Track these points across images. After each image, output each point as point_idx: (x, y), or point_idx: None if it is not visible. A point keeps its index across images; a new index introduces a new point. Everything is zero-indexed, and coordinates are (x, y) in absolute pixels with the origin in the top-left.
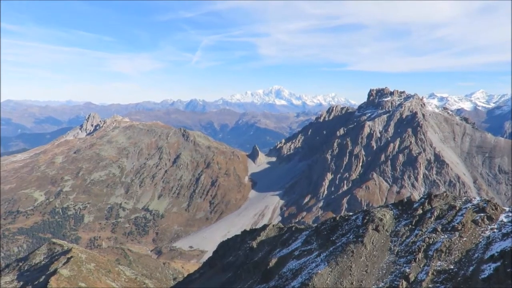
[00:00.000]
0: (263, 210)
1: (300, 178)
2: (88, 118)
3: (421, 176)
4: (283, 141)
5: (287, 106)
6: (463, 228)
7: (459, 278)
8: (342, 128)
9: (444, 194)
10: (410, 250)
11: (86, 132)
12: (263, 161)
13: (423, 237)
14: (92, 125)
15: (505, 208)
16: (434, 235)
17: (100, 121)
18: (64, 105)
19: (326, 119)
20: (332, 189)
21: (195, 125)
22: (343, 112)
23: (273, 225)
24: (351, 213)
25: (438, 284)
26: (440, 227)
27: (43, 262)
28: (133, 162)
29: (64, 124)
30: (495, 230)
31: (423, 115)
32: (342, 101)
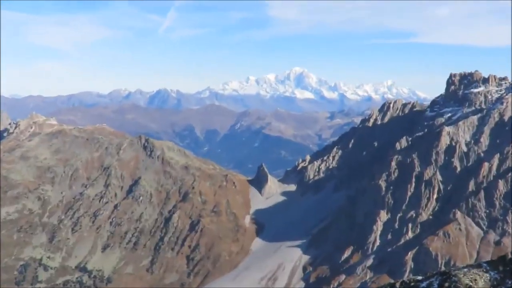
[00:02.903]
0: (275, 272)
1: (335, 218)
2: None
3: None
4: (309, 158)
5: (314, 101)
6: None
7: None
8: (404, 138)
9: None
10: None
11: None
12: (275, 190)
13: None
14: None
15: None
16: None
17: (10, 124)
18: None
19: (379, 122)
20: (389, 237)
21: (164, 131)
22: (406, 111)
23: None
24: (420, 277)
25: None
26: None
27: None
28: (62, 192)
29: None
30: None
31: None
32: (405, 94)
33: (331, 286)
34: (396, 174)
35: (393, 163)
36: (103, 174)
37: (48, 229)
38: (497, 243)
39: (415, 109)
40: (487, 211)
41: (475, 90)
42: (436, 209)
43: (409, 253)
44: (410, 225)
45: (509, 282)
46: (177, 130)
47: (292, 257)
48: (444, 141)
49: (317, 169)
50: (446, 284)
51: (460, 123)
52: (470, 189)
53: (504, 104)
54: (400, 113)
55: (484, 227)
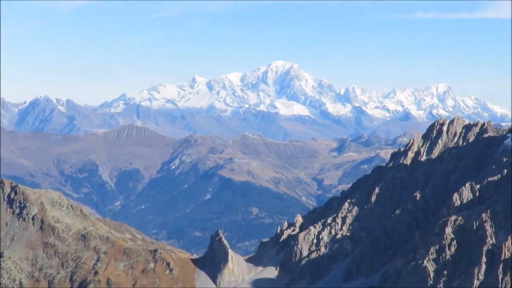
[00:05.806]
0: None
1: None
2: None
3: None
4: (301, 220)
5: (310, 120)
6: None
7: None
8: (468, 185)
9: None
10: None
11: None
12: (240, 278)
13: None
14: None
15: None
16: None
17: None
18: None
19: (423, 158)
20: None
21: (45, 172)
22: (471, 138)
23: None
24: None
25: None
26: None
27: None
28: None
29: None
30: None
31: None
32: (467, 108)
33: None
34: (453, 249)
35: (449, 230)
36: None
37: None
38: None
39: (486, 135)
40: None
41: None
42: None
43: None
44: None
45: None
46: (68, 171)
47: None
48: None
49: (315, 240)
50: None
51: None
52: None
53: None
54: (461, 142)
55: None
